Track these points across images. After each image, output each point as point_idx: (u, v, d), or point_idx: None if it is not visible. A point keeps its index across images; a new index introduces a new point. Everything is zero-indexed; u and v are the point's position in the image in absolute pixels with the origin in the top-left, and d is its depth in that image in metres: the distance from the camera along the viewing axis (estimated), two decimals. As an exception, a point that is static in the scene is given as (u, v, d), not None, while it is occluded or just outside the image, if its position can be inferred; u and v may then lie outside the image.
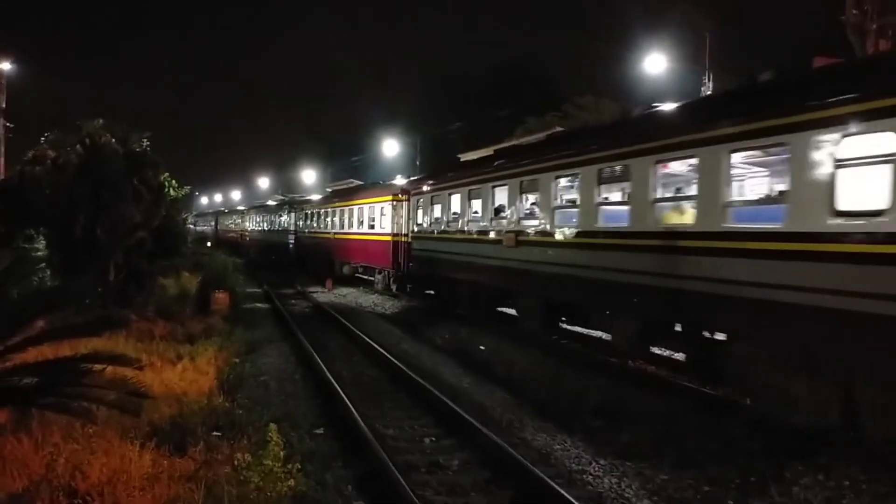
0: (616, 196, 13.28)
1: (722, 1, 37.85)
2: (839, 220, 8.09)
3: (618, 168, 12.36)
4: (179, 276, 21.76)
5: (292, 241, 46.42)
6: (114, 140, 18.12)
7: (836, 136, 8.17)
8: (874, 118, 7.78)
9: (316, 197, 45.16)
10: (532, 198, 15.79)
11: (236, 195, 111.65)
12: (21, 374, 4.50)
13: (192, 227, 68.18)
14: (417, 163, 49.92)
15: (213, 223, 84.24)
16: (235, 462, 7.03)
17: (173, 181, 22.24)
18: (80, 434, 7.27)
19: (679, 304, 10.70)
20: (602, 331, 14.36)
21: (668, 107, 12.78)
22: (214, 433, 8.26)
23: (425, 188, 22.88)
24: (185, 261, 26.60)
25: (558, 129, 17.11)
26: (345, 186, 39.35)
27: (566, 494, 6.65)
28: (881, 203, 7.62)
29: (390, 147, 52.93)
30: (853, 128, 7.99)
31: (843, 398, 8.28)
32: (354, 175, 53.72)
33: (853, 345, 8.05)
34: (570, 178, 14.11)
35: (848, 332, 7.99)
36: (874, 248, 7.69)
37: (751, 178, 11.45)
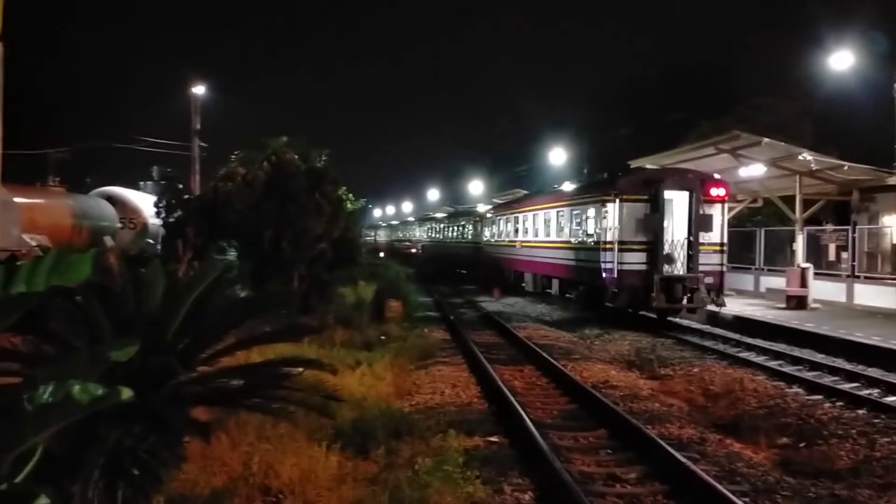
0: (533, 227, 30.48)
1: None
2: (588, 238, 22.79)
3: (531, 214, 30.80)
4: (356, 285, 22.63)
5: (420, 249, 59.73)
6: (296, 157, 19.12)
7: (587, 207, 23.44)
8: (592, 203, 22.81)
9: (439, 214, 60.21)
10: (511, 225, 34.20)
11: (407, 207, 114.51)
12: (227, 376, 4.83)
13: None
14: (585, 171, 49.24)
15: (372, 235, 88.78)
16: (416, 466, 7.21)
17: (350, 194, 23.20)
18: (272, 434, 7.66)
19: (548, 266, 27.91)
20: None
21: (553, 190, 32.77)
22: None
23: (488, 215, 41.05)
24: (361, 271, 27.63)
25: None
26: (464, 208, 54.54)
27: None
28: (592, 231, 22.63)
29: (557, 156, 52.56)
30: (590, 205, 23.03)
31: (583, 293, 24.33)
32: (521, 185, 53.88)
33: (571, 274, 25.12)
34: (506, 219, 35.94)
35: (572, 270, 24.70)
36: (589, 246, 22.69)
37: (577, 220, 24.74)
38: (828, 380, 13.54)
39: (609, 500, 7.20)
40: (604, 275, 21.14)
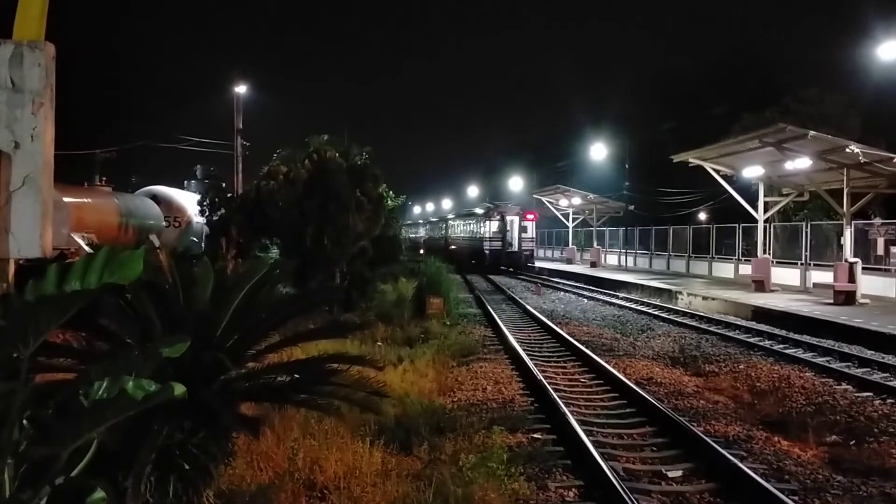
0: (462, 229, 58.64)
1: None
2: (485, 234, 50.11)
3: (464, 220, 59.89)
4: (397, 281, 22.67)
5: (425, 243, 74.82)
6: (337, 155, 19.21)
7: (482, 220, 50.99)
8: (484, 219, 50.44)
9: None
10: (453, 228, 63.13)
11: (447, 204, 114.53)
12: (275, 372, 4.88)
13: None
14: (626, 166, 48.84)
15: (413, 232, 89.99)
16: (460, 462, 7.21)
17: (390, 192, 23.25)
18: (317, 430, 7.71)
19: (464, 251, 54.09)
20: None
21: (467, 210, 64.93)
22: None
23: (446, 219, 69.36)
24: (401, 267, 27.69)
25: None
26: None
27: None
28: (486, 233, 48.93)
29: (598, 151, 52.23)
30: (485, 220, 49.71)
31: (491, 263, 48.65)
32: (561, 180, 53.67)
33: (478, 254, 49.72)
34: (460, 223, 62.18)
35: (478, 250, 50.09)
36: (485, 239, 49.23)
37: (477, 227, 52.49)
38: (878, 376, 13.22)
39: (655, 498, 7.12)
40: (485, 252, 47.24)
